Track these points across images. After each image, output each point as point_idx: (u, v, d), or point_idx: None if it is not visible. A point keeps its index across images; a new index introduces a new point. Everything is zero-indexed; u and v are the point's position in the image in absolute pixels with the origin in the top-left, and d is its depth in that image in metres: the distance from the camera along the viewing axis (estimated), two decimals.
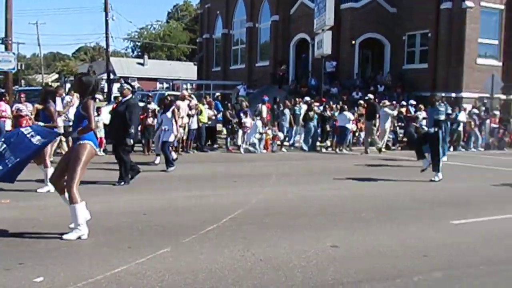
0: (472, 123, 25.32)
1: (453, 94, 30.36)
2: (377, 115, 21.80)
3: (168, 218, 8.55)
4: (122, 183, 11.39)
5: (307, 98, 25.54)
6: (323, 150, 22.24)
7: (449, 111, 20.76)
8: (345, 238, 7.50)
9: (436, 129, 13.29)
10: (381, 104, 22.58)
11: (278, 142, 21.71)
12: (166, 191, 11.01)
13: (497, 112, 27.69)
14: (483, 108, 27.61)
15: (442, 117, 13.50)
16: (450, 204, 10.48)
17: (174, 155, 15.28)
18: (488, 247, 7.30)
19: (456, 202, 10.78)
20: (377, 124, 21.94)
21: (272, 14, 38.15)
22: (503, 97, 30.75)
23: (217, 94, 29.76)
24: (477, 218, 9.13)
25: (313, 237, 7.51)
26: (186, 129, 18.95)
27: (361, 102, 25.11)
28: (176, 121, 14.74)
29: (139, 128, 18.70)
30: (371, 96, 23.41)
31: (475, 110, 26.70)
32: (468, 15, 30.67)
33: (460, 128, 25.03)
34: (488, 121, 26.49)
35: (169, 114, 14.53)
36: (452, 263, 6.48)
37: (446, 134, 14.33)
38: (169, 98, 15.63)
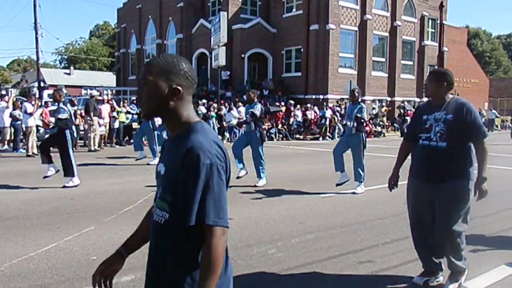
0: (335, 118, 26.28)
1: (321, 96, 31.33)
2: None
3: (91, 201, 8.21)
4: None
5: (204, 101, 25.54)
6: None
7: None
8: (237, 212, 7.53)
9: None
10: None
11: None
12: (87, 179, 10.44)
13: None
14: (344, 107, 28.68)
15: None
16: (320, 181, 10.73)
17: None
18: (344, 214, 7.58)
19: (325, 179, 11.00)
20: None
21: (177, 32, 37.61)
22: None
23: (133, 98, 29.02)
24: (338, 191, 9.39)
25: None
26: (107, 127, 18.55)
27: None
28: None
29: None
30: None
31: (337, 108, 27.74)
32: (331, 34, 31.67)
33: (327, 122, 25.92)
34: None
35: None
36: (320, 227, 6.66)
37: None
38: None
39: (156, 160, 13.87)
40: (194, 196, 1.77)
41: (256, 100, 10.42)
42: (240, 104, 24.24)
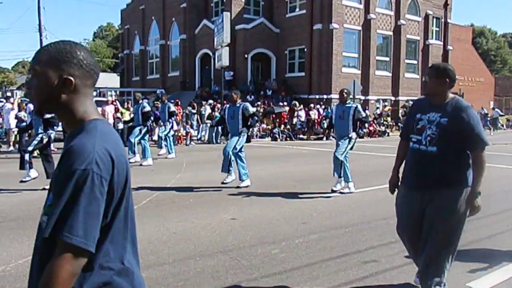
0: None
1: (325, 96, 31.32)
2: None
3: None
4: None
5: (210, 101, 25.54)
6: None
7: None
8: (240, 212, 7.53)
9: None
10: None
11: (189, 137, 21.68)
12: None
13: None
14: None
15: None
16: (323, 181, 10.69)
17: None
18: (348, 214, 7.57)
19: (328, 179, 10.99)
20: None
21: (180, 33, 37.67)
22: (362, 97, 32.03)
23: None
24: (341, 191, 9.35)
25: (215, 212, 7.50)
26: None
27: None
28: None
29: None
30: None
31: None
32: (335, 34, 31.67)
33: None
34: None
35: None
36: (324, 227, 6.66)
37: None
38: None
39: (135, 157, 14.25)
40: (57, 205, 1.48)
41: (239, 100, 10.34)
42: None
